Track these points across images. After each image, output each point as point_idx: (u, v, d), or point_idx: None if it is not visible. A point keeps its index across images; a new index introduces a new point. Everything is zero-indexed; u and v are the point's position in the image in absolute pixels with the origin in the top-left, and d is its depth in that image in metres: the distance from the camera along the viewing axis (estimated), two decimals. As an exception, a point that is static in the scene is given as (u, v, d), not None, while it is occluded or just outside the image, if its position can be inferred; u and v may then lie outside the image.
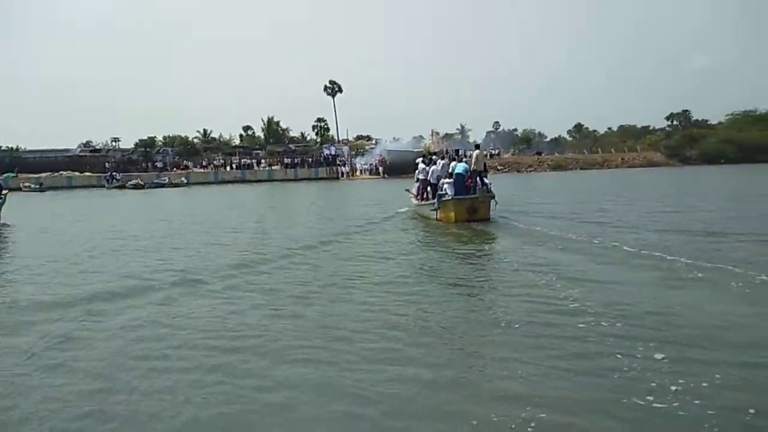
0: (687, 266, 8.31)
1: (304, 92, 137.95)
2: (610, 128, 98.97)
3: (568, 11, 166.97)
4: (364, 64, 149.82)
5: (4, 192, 19.29)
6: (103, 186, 48.62)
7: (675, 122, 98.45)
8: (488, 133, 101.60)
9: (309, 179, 54.63)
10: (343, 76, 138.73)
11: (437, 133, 65.72)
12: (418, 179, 17.76)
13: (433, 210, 15.56)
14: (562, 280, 7.66)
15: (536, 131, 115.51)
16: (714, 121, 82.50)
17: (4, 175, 23.14)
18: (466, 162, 15.65)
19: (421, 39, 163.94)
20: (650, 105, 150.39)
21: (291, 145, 68.03)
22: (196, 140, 76.28)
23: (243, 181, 53.87)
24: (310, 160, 57.99)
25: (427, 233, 13.97)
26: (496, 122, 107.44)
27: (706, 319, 5.81)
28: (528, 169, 60.27)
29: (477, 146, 16.93)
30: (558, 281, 7.63)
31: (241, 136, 79.82)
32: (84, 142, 75.96)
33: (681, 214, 15.72)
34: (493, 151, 66.94)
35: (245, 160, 60.68)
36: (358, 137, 76.44)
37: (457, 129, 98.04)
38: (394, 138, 73.55)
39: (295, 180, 54.18)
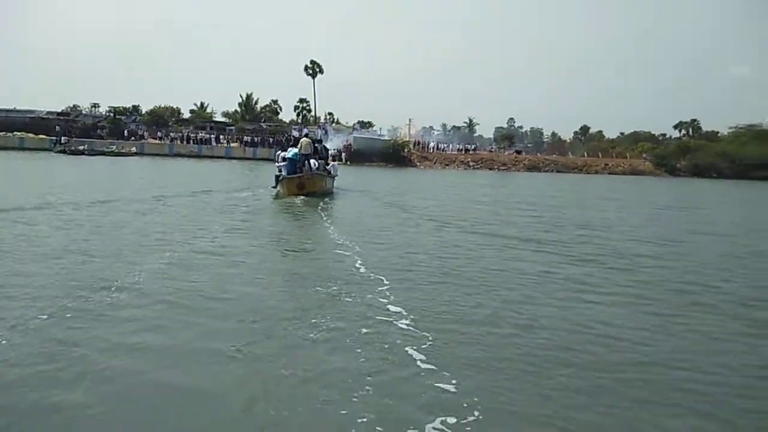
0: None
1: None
2: (622, 133, 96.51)
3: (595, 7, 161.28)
4: (378, 54, 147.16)
5: None
6: (49, 149, 47.20)
7: (683, 131, 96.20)
8: (497, 128, 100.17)
9: (267, 159, 52.46)
10: (353, 66, 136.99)
11: (414, 125, 63.56)
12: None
13: (274, 188, 18.39)
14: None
15: (542, 130, 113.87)
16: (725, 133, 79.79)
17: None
18: (296, 148, 18.46)
19: (437, 34, 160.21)
20: (674, 113, 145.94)
21: (263, 124, 65.91)
22: (194, 113, 73.87)
23: (198, 156, 51.94)
24: (271, 139, 55.76)
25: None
26: (511, 119, 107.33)
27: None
28: (501, 167, 57.78)
29: (306, 135, 20.60)
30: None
31: (224, 112, 77.63)
32: (71, 105, 74.49)
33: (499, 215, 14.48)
34: (468, 146, 64.27)
35: (203, 134, 58.58)
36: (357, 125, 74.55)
37: (465, 123, 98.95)
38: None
39: (253, 159, 52.12)
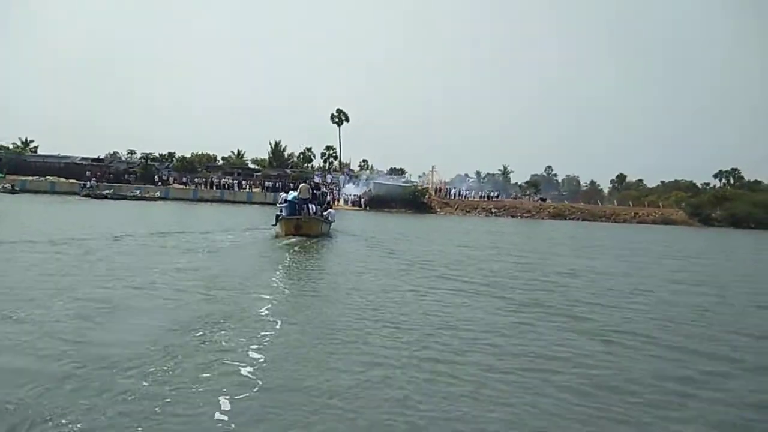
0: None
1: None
2: (663, 182, 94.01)
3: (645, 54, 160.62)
4: (409, 98, 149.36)
5: None
6: (77, 193, 48.77)
7: (722, 180, 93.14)
8: (533, 176, 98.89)
9: (287, 204, 52.95)
10: (390, 113, 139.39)
11: (436, 172, 63.48)
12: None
13: (273, 226, 19.41)
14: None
15: (579, 178, 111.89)
16: (768, 183, 76.75)
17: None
18: (296, 192, 19.48)
19: (473, 82, 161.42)
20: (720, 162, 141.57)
21: (288, 170, 66.81)
22: (228, 159, 75.89)
23: (221, 200, 52.79)
24: (292, 184, 56.20)
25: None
26: (549, 166, 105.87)
27: None
28: (524, 215, 56.69)
29: (304, 181, 22.56)
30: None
31: (254, 159, 79.31)
32: (111, 152, 77.74)
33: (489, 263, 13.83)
34: (491, 193, 63.50)
35: (225, 180, 59.66)
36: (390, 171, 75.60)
37: (500, 170, 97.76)
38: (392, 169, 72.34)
39: (273, 203, 52.47)
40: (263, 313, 7.20)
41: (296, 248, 15.59)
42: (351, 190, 57.26)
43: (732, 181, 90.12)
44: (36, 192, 50.25)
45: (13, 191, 47.61)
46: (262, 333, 6.30)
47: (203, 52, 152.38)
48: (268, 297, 8.27)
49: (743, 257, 22.77)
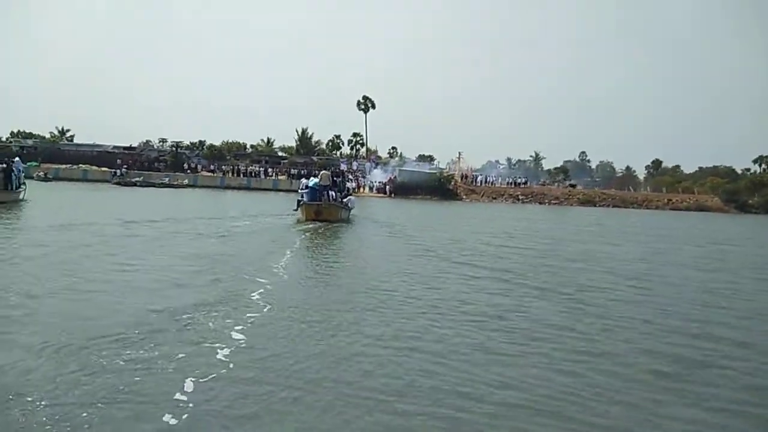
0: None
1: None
2: (701, 168, 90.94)
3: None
4: (438, 85, 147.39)
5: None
6: (108, 181, 49.88)
7: (762, 165, 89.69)
8: (565, 162, 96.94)
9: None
10: (420, 100, 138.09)
11: (463, 159, 62.79)
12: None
13: (294, 211, 20.52)
14: None
15: (613, 164, 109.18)
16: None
17: (29, 163, 24.75)
18: (317, 179, 20.33)
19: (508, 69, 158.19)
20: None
21: (314, 158, 67.04)
22: (256, 147, 76.86)
23: (248, 188, 53.23)
24: (316, 172, 56.41)
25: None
26: (583, 152, 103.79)
27: None
28: (552, 202, 55.72)
29: (325, 168, 24.36)
30: None
31: (281, 146, 79.81)
32: (144, 141, 79.46)
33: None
34: (518, 180, 62.59)
35: (252, 167, 60.21)
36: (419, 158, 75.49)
37: (531, 156, 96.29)
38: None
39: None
40: (254, 297, 7.22)
41: (308, 234, 15.65)
42: (376, 176, 57.08)
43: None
44: (69, 180, 51.42)
45: (46, 179, 48.75)
46: (249, 315, 6.32)
47: (234, 42, 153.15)
48: (265, 281, 8.29)
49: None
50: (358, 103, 71.02)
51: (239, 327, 5.82)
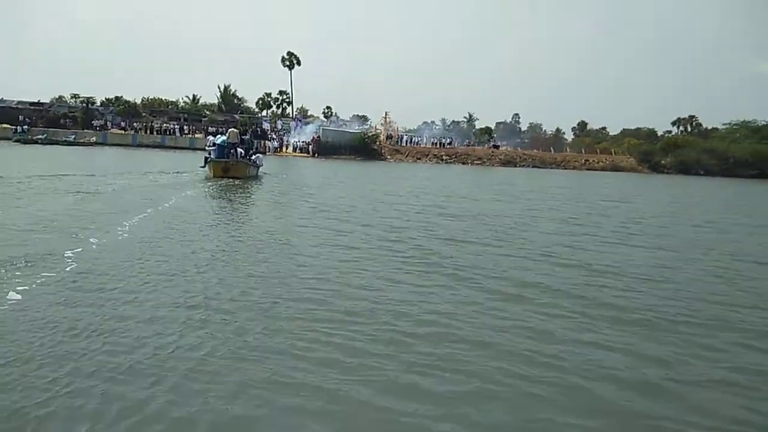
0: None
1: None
2: (624, 129, 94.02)
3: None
4: (378, 46, 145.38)
5: None
6: (9, 138, 46.50)
7: (681, 127, 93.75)
8: (497, 123, 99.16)
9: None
10: (358, 61, 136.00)
11: (390, 119, 62.41)
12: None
13: (202, 168, 20.50)
14: None
15: (542, 126, 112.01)
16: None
17: None
18: (224, 136, 20.72)
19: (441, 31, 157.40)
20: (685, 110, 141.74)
21: (236, 115, 64.81)
22: (176, 104, 73.11)
23: (162, 146, 50.94)
24: (223, 130, 54.66)
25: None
26: (516, 114, 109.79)
27: None
28: (476, 162, 56.52)
29: (234, 127, 25.27)
30: None
31: (203, 104, 76.44)
32: (57, 96, 73.72)
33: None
34: (443, 140, 63.12)
35: (168, 125, 57.66)
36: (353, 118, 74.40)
37: (465, 117, 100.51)
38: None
39: (215, 149, 51.15)
40: (67, 255, 6.66)
41: (193, 191, 15.00)
42: (299, 136, 55.91)
43: (690, 129, 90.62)
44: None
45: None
46: (44, 274, 5.81)
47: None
48: (95, 241, 7.67)
49: (660, 199, 22.98)
50: (283, 60, 68.66)
51: (21, 288, 5.32)
